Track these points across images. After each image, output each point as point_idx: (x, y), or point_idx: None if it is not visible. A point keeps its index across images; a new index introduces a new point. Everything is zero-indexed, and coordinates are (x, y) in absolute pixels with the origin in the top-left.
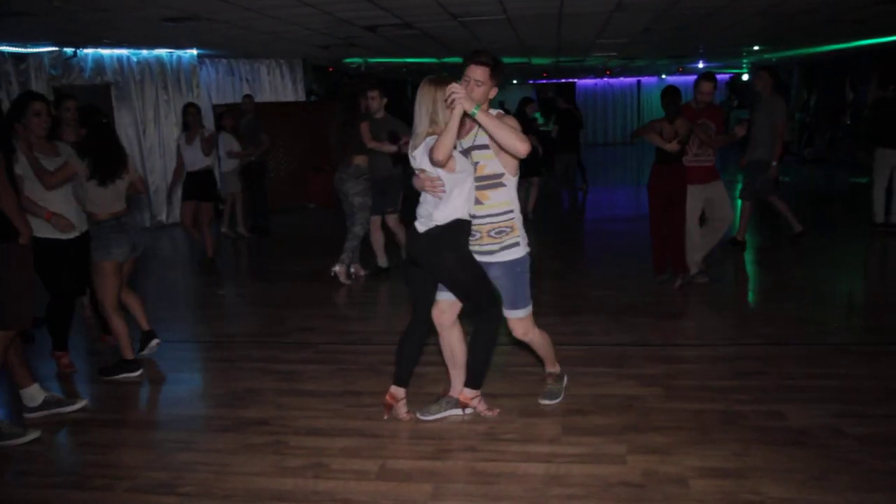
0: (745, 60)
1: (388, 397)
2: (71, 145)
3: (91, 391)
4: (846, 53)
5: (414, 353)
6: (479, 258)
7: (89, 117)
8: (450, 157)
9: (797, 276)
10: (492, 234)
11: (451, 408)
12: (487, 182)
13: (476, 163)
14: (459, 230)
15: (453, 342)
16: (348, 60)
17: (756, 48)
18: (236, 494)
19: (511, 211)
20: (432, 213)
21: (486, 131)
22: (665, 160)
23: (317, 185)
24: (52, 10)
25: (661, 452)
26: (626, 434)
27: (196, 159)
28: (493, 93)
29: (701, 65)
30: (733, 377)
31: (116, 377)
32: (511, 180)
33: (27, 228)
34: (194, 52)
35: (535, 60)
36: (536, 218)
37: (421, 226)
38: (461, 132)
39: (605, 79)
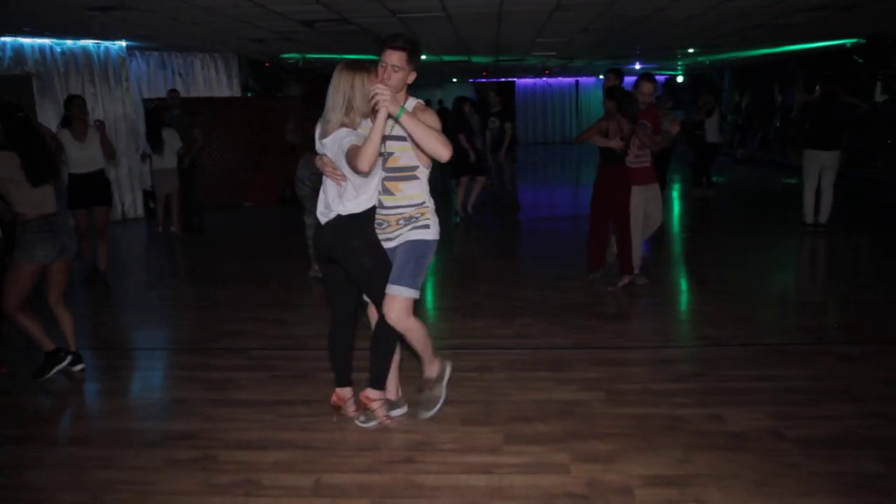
0: (679, 62)
1: (334, 398)
2: None
3: (4, 404)
4: (775, 58)
5: (346, 349)
6: (385, 245)
7: (4, 114)
8: (374, 165)
9: (732, 276)
10: (400, 222)
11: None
12: (400, 174)
13: (390, 154)
14: (364, 218)
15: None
16: (286, 56)
17: (690, 51)
18: None
19: (423, 203)
20: (333, 205)
21: (409, 135)
22: (611, 161)
23: (253, 183)
24: None
25: (604, 461)
26: (568, 441)
27: (92, 160)
28: (412, 77)
29: (637, 66)
30: (674, 380)
31: (49, 374)
32: (424, 173)
33: None
34: (123, 43)
35: (475, 59)
36: (477, 216)
37: (323, 217)
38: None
39: (545, 78)
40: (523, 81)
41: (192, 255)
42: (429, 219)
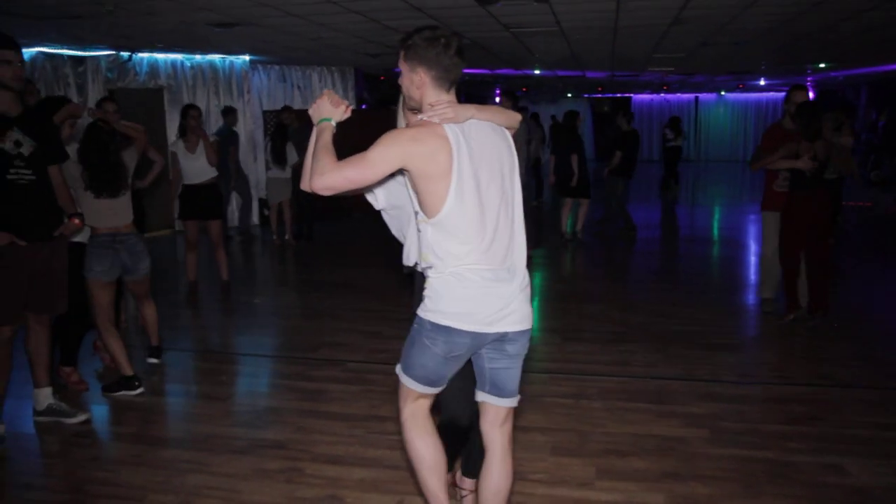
0: (809, 78)
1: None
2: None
3: (109, 402)
4: None
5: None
6: None
7: (89, 130)
8: (310, 182)
9: (859, 311)
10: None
11: None
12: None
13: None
14: (413, 278)
15: (488, 470)
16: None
17: (822, 65)
18: None
19: (430, 267)
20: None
21: None
22: (806, 185)
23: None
24: (103, 14)
25: None
26: (665, 481)
27: (202, 170)
28: (420, 78)
29: (762, 81)
30: (787, 422)
31: (116, 394)
32: (427, 225)
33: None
34: (246, 57)
35: (590, 74)
36: (587, 238)
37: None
38: None
39: (662, 94)
40: (640, 97)
41: (300, 263)
42: (426, 290)
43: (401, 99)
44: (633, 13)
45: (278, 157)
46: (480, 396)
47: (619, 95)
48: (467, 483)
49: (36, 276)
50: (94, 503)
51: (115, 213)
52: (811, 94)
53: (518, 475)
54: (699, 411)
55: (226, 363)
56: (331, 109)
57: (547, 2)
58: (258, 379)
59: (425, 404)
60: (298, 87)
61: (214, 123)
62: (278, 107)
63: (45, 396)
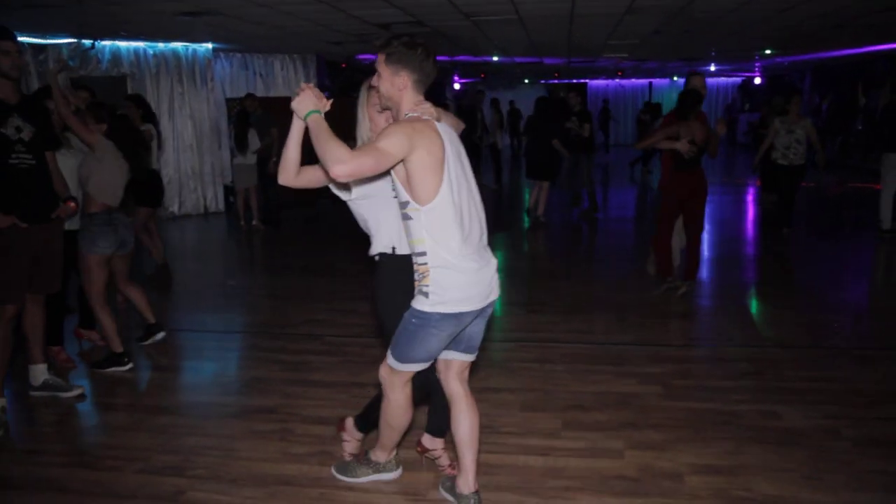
0: (757, 64)
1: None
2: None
3: (104, 376)
4: (860, 58)
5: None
6: None
7: (107, 111)
8: (293, 175)
9: (801, 281)
10: (416, 275)
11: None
12: (401, 212)
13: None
14: (385, 264)
15: (456, 416)
16: (362, 56)
17: (768, 52)
18: (242, 478)
19: (423, 253)
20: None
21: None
22: (684, 166)
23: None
24: (71, 2)
25: (657, 449)
26: (624, 430)
27: None
28: (402, 81)
29: (713, 67)
30: (732, 378)
31: (106, 370)
32: (420, 212)
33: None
34: (209, 45)
35: (548, 60)
36: (546, 220)
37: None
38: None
39: (617, 80)
40: (595, 83)
41: (269, 247)
42: (428, 284)
43: (363, 95)
44: (587, 3)
45: (240, 144)
46: (451, 355)
47: (574, 81)
48: (437, 443)
49: (36, 257)
50: (100, 463)
51: (118, 191)
52: (758, 81)
53: (491, 429)
54: (653, 371)
55: (208, 340)
56: (316, 102)
57: None
58: (242, 353)
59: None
60: (261, 75)
61: (179, 112)
62: (241, 94)
63: (41, 372)
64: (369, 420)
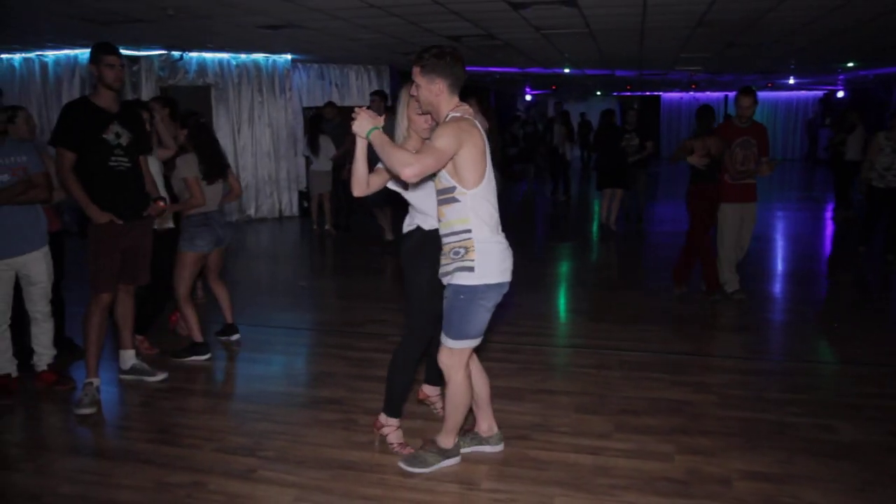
0: (840, 77)
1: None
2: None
3: (183, 365)
4: None
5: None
6: (442, 278)
7: (189, 118)
8: (365, 187)
9: (868, 299)
10: (450, 254)
11: (476, 444)
12: (442, 196)
13: (434, 174)
14: (414, 239)
15: (471, 374)
16: None
17: (850, 64)
18: (308, 461)
19: (468, 232)
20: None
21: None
22: (700, 179)
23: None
24: (164, 17)
25: (706, 454)
26: (674, 435)
27: None
28: (439, 88)
29: (791, 80)
30: (789, 391)
31: (186, 359)
32: (467, 195)
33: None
34: (288, 57)
35: (619, 73)
36: (617, 229)
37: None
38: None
39: (691, 93)
40: (669, 95)
41: (339, 250)
42: (473, 259)
43: (403, 100)
44: (658, 16)
45: (314, 148)
46: None
47: (647, 94)
48: (433, 390)
49: (128, 251)
50: (181, 441)
51: (215, 196)
52: (840, 94)
53: (544, 427)
54: (709, 381)
55: (280, 336)
56: (372, 121)
57: (576, 5)
58: (311, 349)
59: None
60: (336, 85)
61: (258, 120)
62: (317, 104)
63: (130, 357)
64: (394, 402)
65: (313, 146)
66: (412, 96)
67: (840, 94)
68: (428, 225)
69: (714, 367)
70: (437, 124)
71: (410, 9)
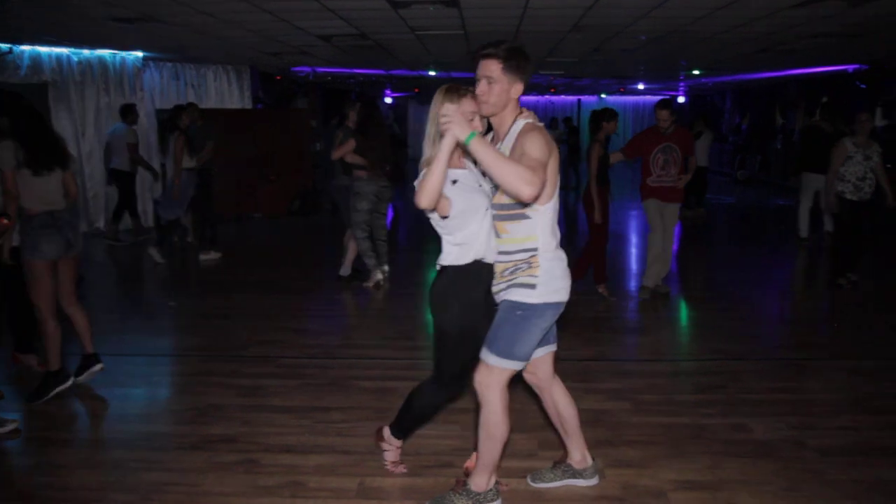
0: (682, 83)
1: (468, 464)
2: None
3: (39, 409)
4: (776, 81)
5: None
6: (497, 297)
7: (11, 104)
8: (436, 201)
9: (737, 292)
10: (505, 273)
11: (568, 477)
12: (506, 212)
13: (496, 187)
14: (457, 274)
15: (557, 400)
16: (297, 69)
17: (696, 72)
18: None
19: (534, 250)
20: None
21: (484, 167)
22: (601, 182)
23: (262, 194)
24: None
25: (636, 466)
26: (600, 448)
27: None
28: (517, 90)
29: (641, 86)
30: (696, 391)
31: (48, 396)
32: (539, 211)
33: None
34: (139, 54)
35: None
36: None
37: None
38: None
39: (547, 96)
40: (526, 98)
41: (208, 265)
42: (536, 275)
43: (439, 104)
44: (536, 19)
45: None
46: (545, 351)
47: None
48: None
49: None
50: None
51: (54, 191)
52: (681, 99)
53: (467, 451)
54: (620, 386)
55: (154, 366)
56: (469, 124)
57: (457, 6)
58: (193, 378)
59: None
60: (193, 86)
61: (105, 123)
62: (171, 105)
63: None
64: (404, 426)
65: (165, 152)
66: (476, 95)
67: (681, 98)
68: (441, 260)
69: (623, 372)
70: (490, 130)
71: (284, 5)
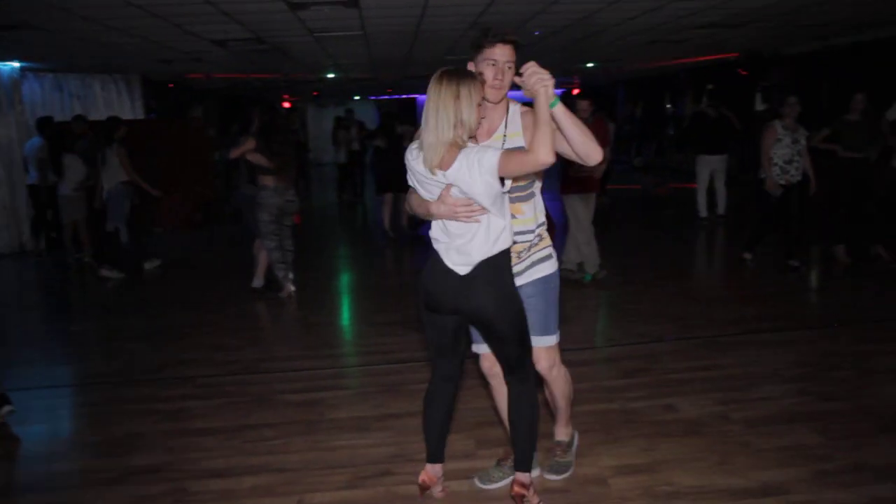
0: (576, 76)
1: (423, 477)
2: None
3: None
4: (665, 70)
5: (445, 418)
6: (516, 278)
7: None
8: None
9: (650, 274)
10: (522, 254)
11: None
12: (520, 193)
13: None
14: (504, 261)
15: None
16: (193, 75)
17: (590, 65)
18: None
19: (542, 223)
20: (471, 248)
21: (562, 130)
22: None
23: (161, 208)
24: None
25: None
26: (538, 440)
27: None
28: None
29: None
30: (622, 376)
31: None
32: (537, 186)
33: None
34: (16, 64)
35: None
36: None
37: (461, 267)
38: (480, 132)
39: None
40: (424, 97)
41: (102, 285)
42: (548, 245)
43: (476, 92)
44: (435, 18)
45: (58, 171)
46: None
47: (404, 97)
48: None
49: None
50: None
51: None
52: (576, 91)
53: (403, 457)
54: None
55: (61, 397)
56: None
57: (357, 6)
58: (106, 406)
59: None
60: (77, 97)
61: None
62: (55, 119)
63: None
64: (525, 455)
65: (57, 168)
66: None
67: (576, 91)
68: (482, 254)
69: None
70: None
71: (176, 9)
